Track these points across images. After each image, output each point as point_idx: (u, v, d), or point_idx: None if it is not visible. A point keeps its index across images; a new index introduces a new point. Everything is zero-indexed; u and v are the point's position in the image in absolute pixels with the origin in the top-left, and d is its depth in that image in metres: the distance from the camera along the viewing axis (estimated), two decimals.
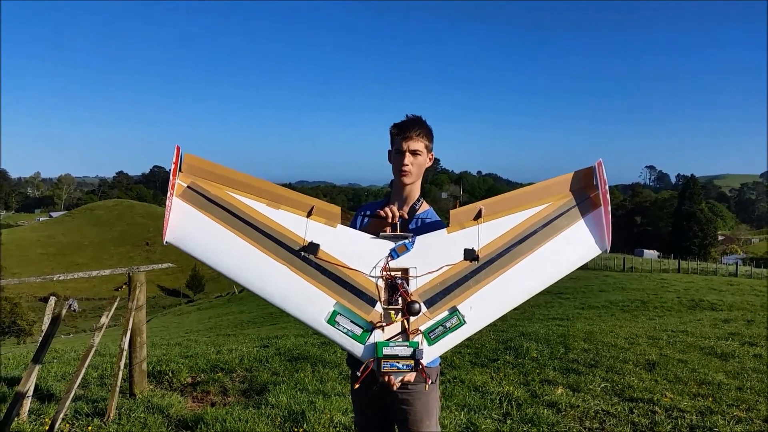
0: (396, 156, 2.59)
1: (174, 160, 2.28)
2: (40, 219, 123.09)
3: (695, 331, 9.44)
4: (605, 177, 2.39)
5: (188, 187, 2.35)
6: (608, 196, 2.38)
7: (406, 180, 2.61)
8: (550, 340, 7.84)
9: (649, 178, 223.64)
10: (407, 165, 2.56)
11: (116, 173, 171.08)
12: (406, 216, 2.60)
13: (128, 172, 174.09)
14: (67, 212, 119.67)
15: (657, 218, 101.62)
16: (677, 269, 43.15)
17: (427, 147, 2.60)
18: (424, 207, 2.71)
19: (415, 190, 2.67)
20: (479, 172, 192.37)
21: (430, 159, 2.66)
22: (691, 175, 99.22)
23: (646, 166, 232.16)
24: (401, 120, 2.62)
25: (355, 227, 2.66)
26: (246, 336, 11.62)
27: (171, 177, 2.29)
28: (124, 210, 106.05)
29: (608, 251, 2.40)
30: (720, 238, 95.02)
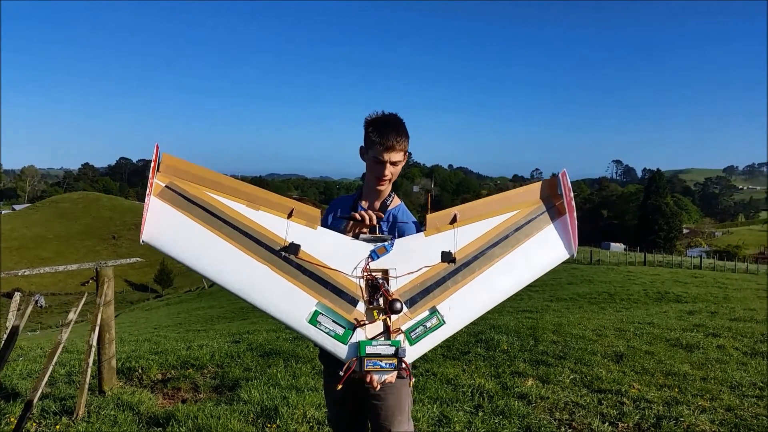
0: (375, 164, 2.57)
1: (153, 158, 2.24)
2: (3, 212, 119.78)
3: (661, 323, 9.65)
4: (570, 185, 2.49)
5: (166, 186, 2.30)
6: (573, 203, 2.47)
7: (383, 187, 2.64)
8: (520, 333, 7.93)
9: (616, 172, 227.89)
10: (387, 175, 2.57)
11: (82, 165, 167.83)
12: (382, 215, 2.60)
13: (94, 164, 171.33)
14: (30, 205, 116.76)
15: (623, 212, 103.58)
16: (643, 262, 43.98)
17: (405, 153, 2.60)
18: (396, 202, 2.73)
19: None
20: (450, 166, 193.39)
21: (405, 159, 2.64)
22: (657, 169, 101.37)
23: (613, 161, 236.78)
24: (378, 121, 2.56)
25: (326, 225, 2.65)
26: (216, 331, 11.53)
27: (150, 176, 2.24)
28: (89, 203, 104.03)
29: (575, 256, 2.49)
30: (685, 231, 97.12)
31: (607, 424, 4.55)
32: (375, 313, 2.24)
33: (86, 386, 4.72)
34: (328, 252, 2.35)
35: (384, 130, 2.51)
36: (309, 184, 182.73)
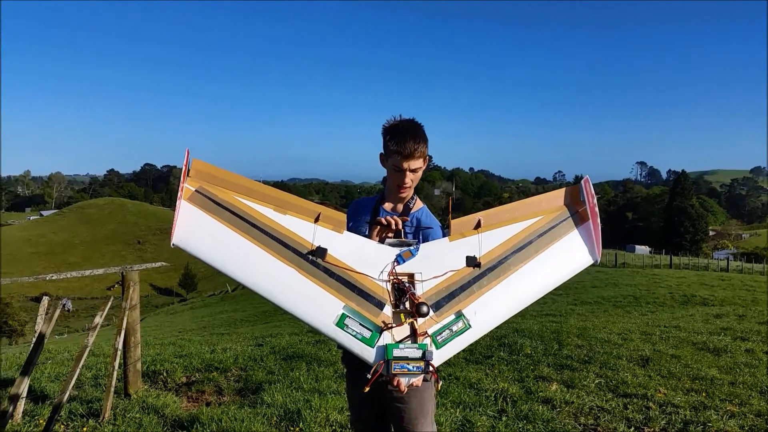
0: (395, 173, 2.57)
1: (183, 163, 2.28)
2: (31, 218, 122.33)
3: (687, 327, 9.50)
4: (593, 192, 2.50)
5: (196, 191, 2.35)
6: (596, 210, 2.48)
7: (405, 194, 2.65)
8: (543, 337, 7.87)
9: (640, 174, 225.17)
10: (408, 183, 2.58)
11: (107, 171, 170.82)
12: (407, 219, 2.61)
13: (119, 170, 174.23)
14: (57, 211, 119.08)
15: (648, 214, 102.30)
16: (669, 265, 43.38)
17: (425, 158, 2.59)
18: (418, 205, 2.74)
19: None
20: (471, 169, 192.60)
21: (425, 163, 2.63)
22: (682, 170, 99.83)
23: (637, 162, 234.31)
24: (395, 128, 2.55)
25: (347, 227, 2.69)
26: (240, 335, 11.61)
27: (180, 180, 2.29)
28: (115, 208, 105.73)
29: (599, 262, 2.49)
30: (711, 233, 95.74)
31: (633, 429, 4.48)
32: (402, 317, 2.24)
33: (112, 389, 4.79)
34: (355, 256, 2.37)
35: (402, 138, 2.50)
36: (330, 188, 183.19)
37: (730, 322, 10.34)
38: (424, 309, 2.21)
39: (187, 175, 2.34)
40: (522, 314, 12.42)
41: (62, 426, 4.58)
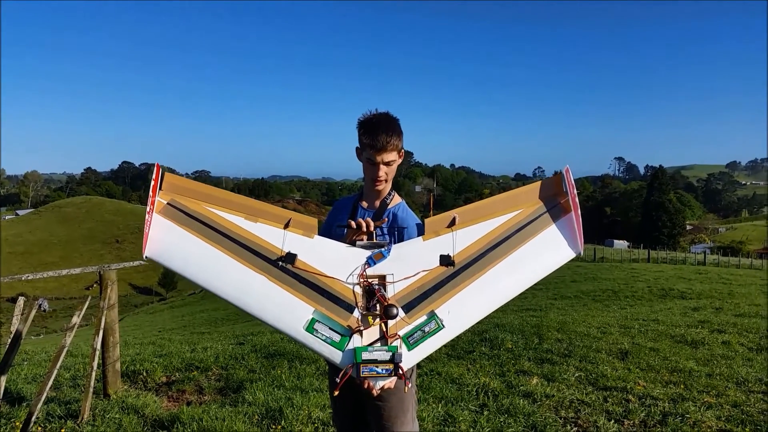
0: (369, 166, 2.58)
1: (154, 177, 2.30)
2: (7, 217, 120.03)
3: (666, 320, 9.63)
4: (573, 182, 2.46)
5: (168, 203, 2.39)
6: (577, 200, 2.45)
7: (380, 187, 2.64)
8: (524, 331, 7.92)
9: (618, 170, 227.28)
10: (382, 176, 2.58)
11: (84, 170, 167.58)
12: (383, 222, 2.59)
13: (96, 168, 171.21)
14: (34, 210, 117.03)
15: (626, 209, 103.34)
16: (647, 259, 43.94)
17: (399, 151, 2.60)
18: (396, 200, 2.72)
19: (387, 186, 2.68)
20: (452, 165, 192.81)
21: (400, 156, 2.64)
22: (660, 166, 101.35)
23: (615, 158, 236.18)
24: (368, 122, 2.56)
25: (329, 228, 2.72)
26: (221, 333, 11.54)
27: (151, 194, 2.30)
28: (93, 207, 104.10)
29: (581, 254, 2.46)
30: (688, 227, 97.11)
31: (612, 421, 4.53)
32: (370, 319, 2.24)
33: (91, 390, 4.72)
34: (325, 260, 2.37)
35: (374, 132, 2.50)
36: (311, 185, 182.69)
37: (707, 315, 10.50)
38: (393, 311, 2.21)
39: (159, 188, 2.37)
40: (503, 309, 12.47)
41: (39, 428, 4.50)
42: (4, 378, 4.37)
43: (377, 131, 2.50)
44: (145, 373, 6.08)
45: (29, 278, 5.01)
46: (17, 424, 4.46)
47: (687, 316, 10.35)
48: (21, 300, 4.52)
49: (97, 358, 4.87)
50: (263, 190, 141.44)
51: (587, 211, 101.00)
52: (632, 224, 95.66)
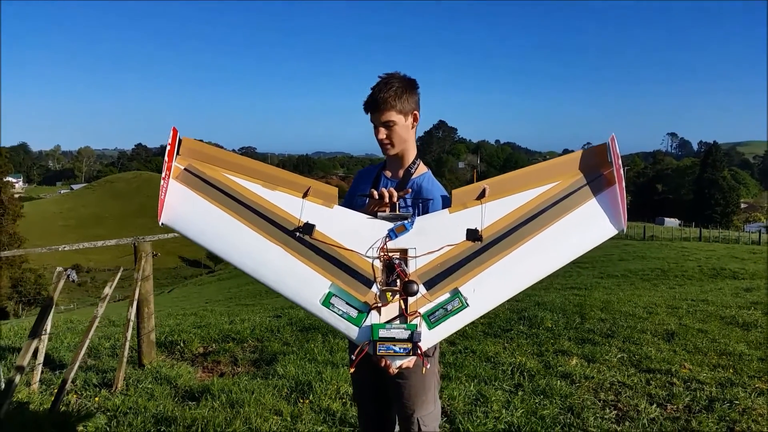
0: (374, 130, 2.45)
1: (170, 142, 2.24)
2: (62, 192, 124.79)
3: (716, 300, 9.24)
4: (618, 152, 2.23)
5: (185, 169, 2.31)
6: (622, 172, 2.22)
7: (389, 152, 2.49)
8: (566, 310, 7.70)
9: (671, 146, 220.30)
10: (383, 138, 2.43)
11: (135, 145, 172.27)
12: (406, 194, 2.43)
13: (147, 144, 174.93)
14: (87, 185, 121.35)
15: (678, 186, 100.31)
16: (698, 237, 42.58)
17: (401, 111, 2.39)
18: (421, 170, 2.56)
19: (407, 153, 2.53)
20: (497, 141, 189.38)
21: (414, 119, 2.47)
22: (714, 141, 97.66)
23: (668, 134, 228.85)
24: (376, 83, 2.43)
25: (352, 198, 2.60)
26: (263, 306, 11.66)
27: (167, 160, 2.23)
28: (143, 182, 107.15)
29: (624, 231, 2.22)
30: (743, 205, 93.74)
31: (654, 405, 4.33)
32: (388, 295, 2.11)
33: (124, 360, 4.79)
34: (345, 232, 2.25)
35: (371, 91, 2.38)
36: (354, 161, 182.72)
37: (760, 296, 10.03)
38: (413, 287, 2.08)
39: (177, 153, 2.31)
40: (545, 287, 12.25)
41: (75, 395, 4.59)
42: (41, 344, 4.45)
43: (373, 91, 2.38)
44: (182, 344, 6.17)
45: (66, 249, 5.08)
46: (55, 390, 4.55)
47: (739, 297, 9.92)
48: (58, 270, 4.59)
49: (131, 329, 4.93)
50: (307, 166, 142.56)
51: (638, 187, 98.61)
52: (684, 202, 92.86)
